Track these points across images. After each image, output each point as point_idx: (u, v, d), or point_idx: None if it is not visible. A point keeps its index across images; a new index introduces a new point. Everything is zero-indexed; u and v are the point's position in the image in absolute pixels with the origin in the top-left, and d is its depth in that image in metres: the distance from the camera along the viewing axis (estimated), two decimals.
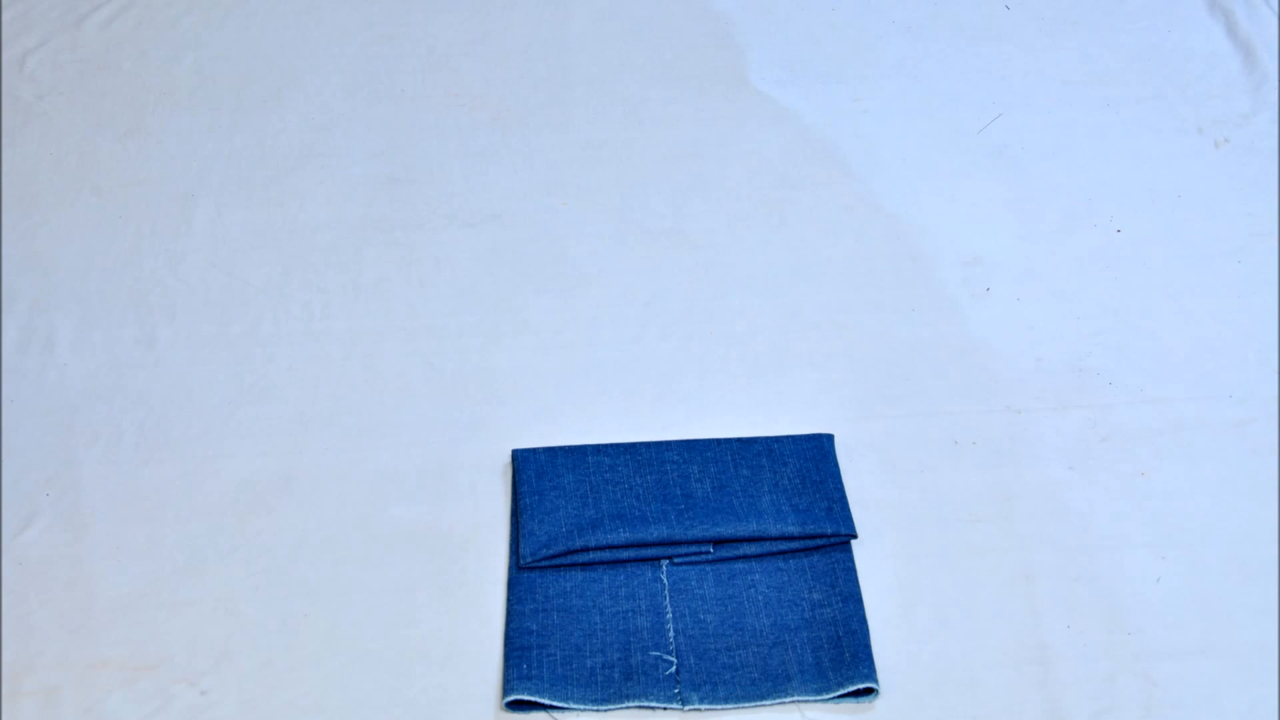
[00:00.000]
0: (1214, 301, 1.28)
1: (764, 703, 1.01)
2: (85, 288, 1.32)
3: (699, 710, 1.01)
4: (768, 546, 1.10)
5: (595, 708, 1.01)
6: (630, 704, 1.00)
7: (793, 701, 1.01)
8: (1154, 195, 1.39)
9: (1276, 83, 1.50)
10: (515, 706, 1.01)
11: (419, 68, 1.57)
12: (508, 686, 1.01)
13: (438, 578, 1.09)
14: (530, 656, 1.02)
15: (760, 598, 1.07)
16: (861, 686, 1.00)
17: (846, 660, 1.02)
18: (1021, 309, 1.28)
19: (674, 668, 1.02)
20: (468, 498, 1.14)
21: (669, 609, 1.06)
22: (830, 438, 1.17)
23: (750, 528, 1.10)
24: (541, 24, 1.62)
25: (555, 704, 1.00)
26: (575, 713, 1.01)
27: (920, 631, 1.05)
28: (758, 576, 1.08)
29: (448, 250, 1.35)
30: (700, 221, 1.38)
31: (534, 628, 1.04)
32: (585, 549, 1.09)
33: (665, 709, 1.01)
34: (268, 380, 1.23)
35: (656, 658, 1.03)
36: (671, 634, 1.05)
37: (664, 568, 1.09)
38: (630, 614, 1.06)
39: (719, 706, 1.01)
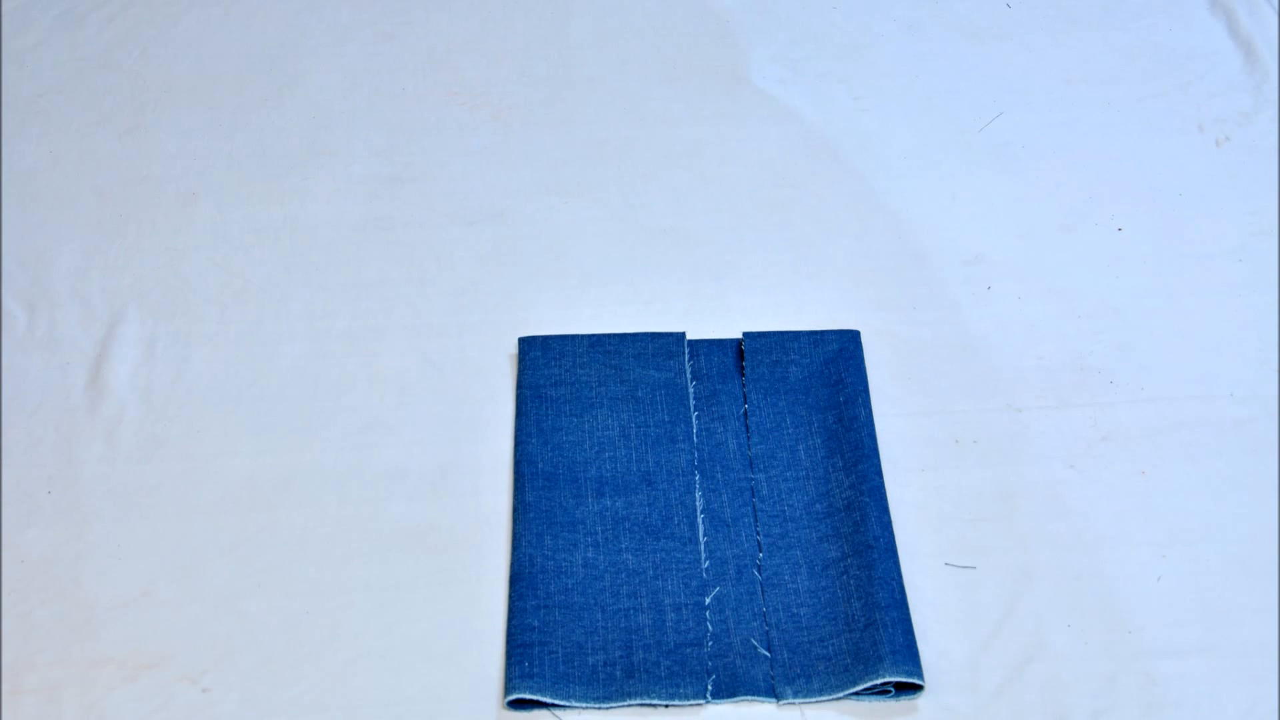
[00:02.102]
0: (1215, 300, 1.28)
1: (855, 688, 1.00)
2: (86, 287, 1.32)
3: (736, 702, 1.01)
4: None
5: (597, 706, 1.01)
6: (632, 702, 1.00)
7: (883, 683, 1.00)
8: (1155, 194, 1.39)
9: (1277, 81, 1.50)
10: (517, 705, 1.01)
11: (419, 66, 1.57)
12: (509, 685, 1.01)
13: (439, 576, 1.09)
14: (532, 654, 1.02)
15: (852, 583, 1.06)
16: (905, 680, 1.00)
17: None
18: (1022, 307, 1.28)
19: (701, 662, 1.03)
20: (469, 496, 1.14)
21: (764, 604, 1.06)
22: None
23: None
24: (542, 22, 1.62)
25: (557, 702, 1.00)
26: (577, 711, 1.01)
27: (921, 631, 1.05)
28: (851, 561, 1.07)
29: (448, 248, 1.35)
30: (701, 220, 1.38)
31: (535, 624, 1.04)
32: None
33: (667, 706, 1.01)
34: (268, 379, 1.23)
35: (752, 647, 1.03)
36: (764, 629, 1.05)
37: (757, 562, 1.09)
38: (632, 611, 1.06)
39: (813, 699, 1.01)
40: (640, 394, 1.20)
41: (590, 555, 1.10)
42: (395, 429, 1.19)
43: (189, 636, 1.05)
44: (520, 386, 1.21)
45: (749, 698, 1.01)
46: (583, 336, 1.24)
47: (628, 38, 1.60)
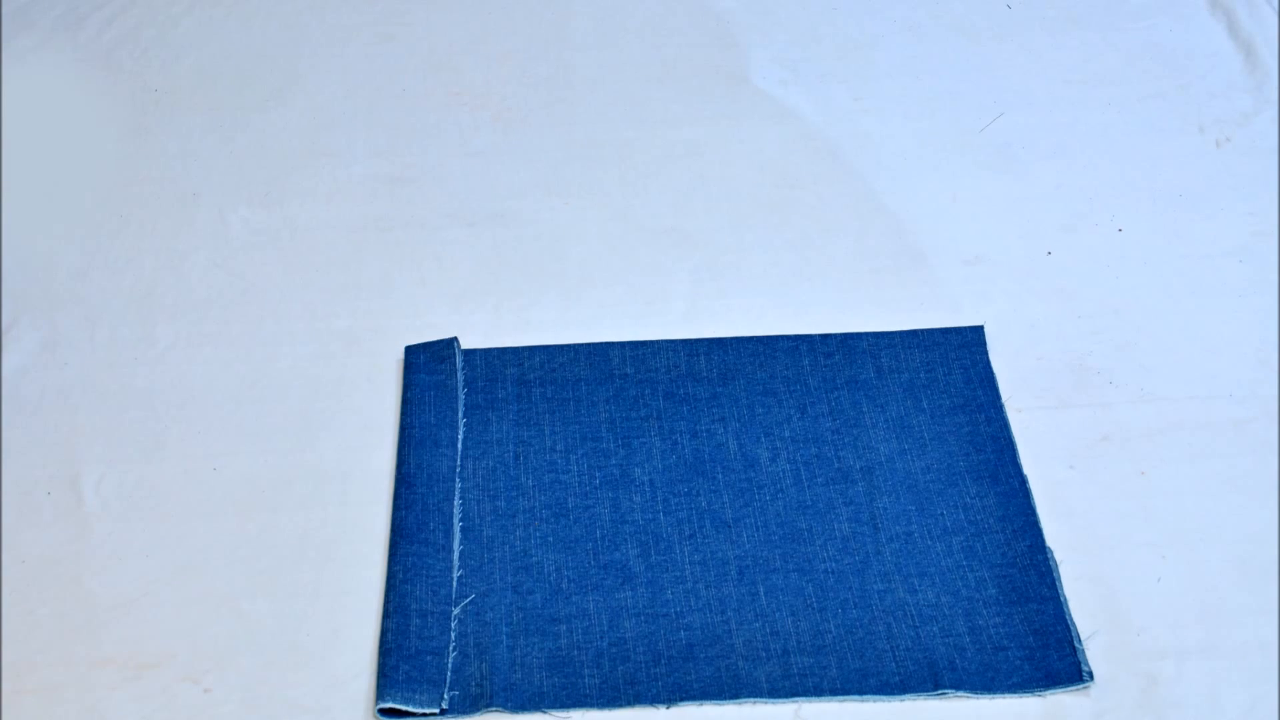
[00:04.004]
0: (1215, 301, 1.28)
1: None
2: (85, 288, 1.32)
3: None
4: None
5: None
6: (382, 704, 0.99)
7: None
8: (1155, 194, 1.39)
9: (1277, 82, 1.50)
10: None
11: (420, 67, 1.57)
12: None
13: None
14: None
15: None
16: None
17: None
18: (1022, 308, 1.28)
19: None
20: None
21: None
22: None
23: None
24: (543, 23, 1.62)
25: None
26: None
27: None
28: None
29: (449, 249, 1.35)
30: (701, 220, 1.38)
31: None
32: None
33: (426, 713, 0.99)
34: (269, 379, 1.23)
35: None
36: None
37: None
38: (378, 615, 1.05)
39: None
40: (409, 394, 1.19)
41: None
42: (395, 429, 1.19)
43: (190, 637, 1.05)
44: None
45: (752, 699, 1.01)
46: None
47: (628, 38, 1.60)
